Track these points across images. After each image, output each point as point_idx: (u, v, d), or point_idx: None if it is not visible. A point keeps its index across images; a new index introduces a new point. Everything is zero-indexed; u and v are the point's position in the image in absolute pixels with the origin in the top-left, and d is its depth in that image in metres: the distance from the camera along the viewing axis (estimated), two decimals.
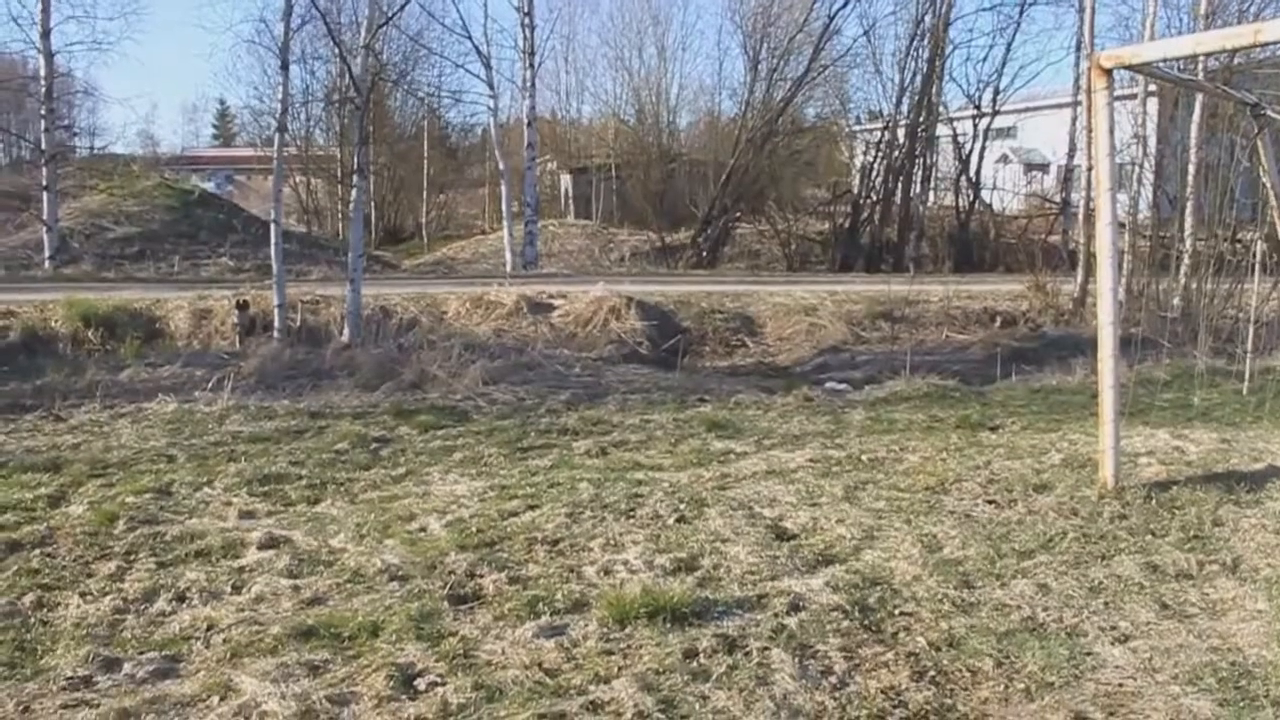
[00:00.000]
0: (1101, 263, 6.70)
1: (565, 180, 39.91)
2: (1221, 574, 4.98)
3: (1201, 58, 14.90)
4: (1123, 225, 14.83)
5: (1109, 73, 6.55)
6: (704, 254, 27.79)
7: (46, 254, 20.95)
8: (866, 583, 4.87)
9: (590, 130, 43.23)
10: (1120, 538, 5.51)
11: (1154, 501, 6.12)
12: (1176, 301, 15.64)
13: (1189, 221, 16.61)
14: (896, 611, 4.54)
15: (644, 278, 20.63)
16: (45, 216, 21.15)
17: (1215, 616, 4.50)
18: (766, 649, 4.11)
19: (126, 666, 4.08)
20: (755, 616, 4.46)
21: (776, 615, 4.46)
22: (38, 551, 5.40)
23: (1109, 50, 6.85)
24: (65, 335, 12.72)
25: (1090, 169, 15.22)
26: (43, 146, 21.76)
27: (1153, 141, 17.77)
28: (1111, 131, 6.66)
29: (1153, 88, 16.82)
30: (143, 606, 4.71)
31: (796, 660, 4.03)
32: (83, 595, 4.82)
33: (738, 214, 29.28)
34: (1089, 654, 4.10)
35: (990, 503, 6.26)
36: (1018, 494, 6.40)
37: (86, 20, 28.97)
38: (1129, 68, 7.11)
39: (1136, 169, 17.12)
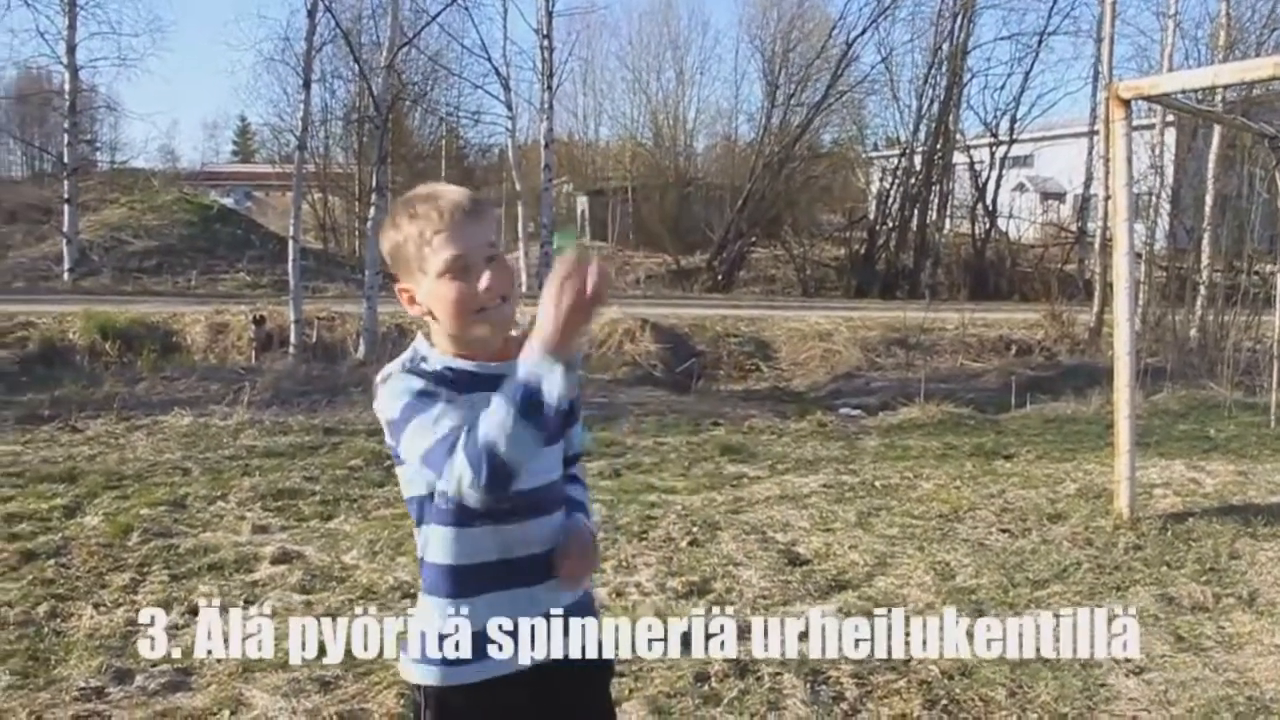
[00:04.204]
0: (1118, 293, 6.70)
1: (581, 202, 40.02)
2: (1238, 607, 4.95)
3: (1220, 89, 14.91)
4: (1139, 255, 14.81)
5: (1127, 104, 6.57)
6: (719, 278, 27.81)
7: (66, 266, 21.09)
8: (879, 609, 4.85)
9: (607, 152, 43.35)
10: (1135, 569, 5.49)
11: (1169, 533, 6.09)
12: (1193, 333, 15.59)
13: (1206, 252, 16.59)
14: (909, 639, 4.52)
15: (659, 300, 20.67)
16: (65, 229, 21.31)
17: (1231, 650, 4.47)
18: (778, 674, 4.09)
19: (138, 679, 4.08)
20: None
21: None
22: (52, 561, 5.42)
23: (1127, 81, 6.87)
24: (83, 347, 12.81)
25: (1107, 198, 15.21)
26: (65, 160, 21.97)
27: (1170, 172, 17.76)
28: (1129, 162, 6.67)
29: (1170, 118, 16.81)
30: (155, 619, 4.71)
31: (808, 686, 4.01)
32: (96, 606, 4.83)
33: (753, 238, 29.30)
34: (1103, 685, 4.08)
35: (1004, 531, 6.24)
36: (1032, 523, 6.38)
37: (112, 36, 29.17)
38: (1147, 99, 7.13)
39: (1154, 199, 17.11)
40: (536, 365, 1.73)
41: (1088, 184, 25.44)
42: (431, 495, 1.96)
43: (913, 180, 28.34)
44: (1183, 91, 7.15)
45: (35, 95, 30.93)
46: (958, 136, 28.79)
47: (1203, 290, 16.11)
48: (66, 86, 21.87)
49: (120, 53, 31.24)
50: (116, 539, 5.83)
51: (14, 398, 10.25)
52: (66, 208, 21.32)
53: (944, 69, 27.59)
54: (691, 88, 42.43)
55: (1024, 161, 35.77)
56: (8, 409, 9.71)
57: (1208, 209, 16.72)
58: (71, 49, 21.27)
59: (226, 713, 3.78)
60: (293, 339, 13.22)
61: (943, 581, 5.27)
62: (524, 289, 23.14)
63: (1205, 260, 16.50)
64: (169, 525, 6.18)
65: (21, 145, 39.45)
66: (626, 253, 31.76)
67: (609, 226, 36.58)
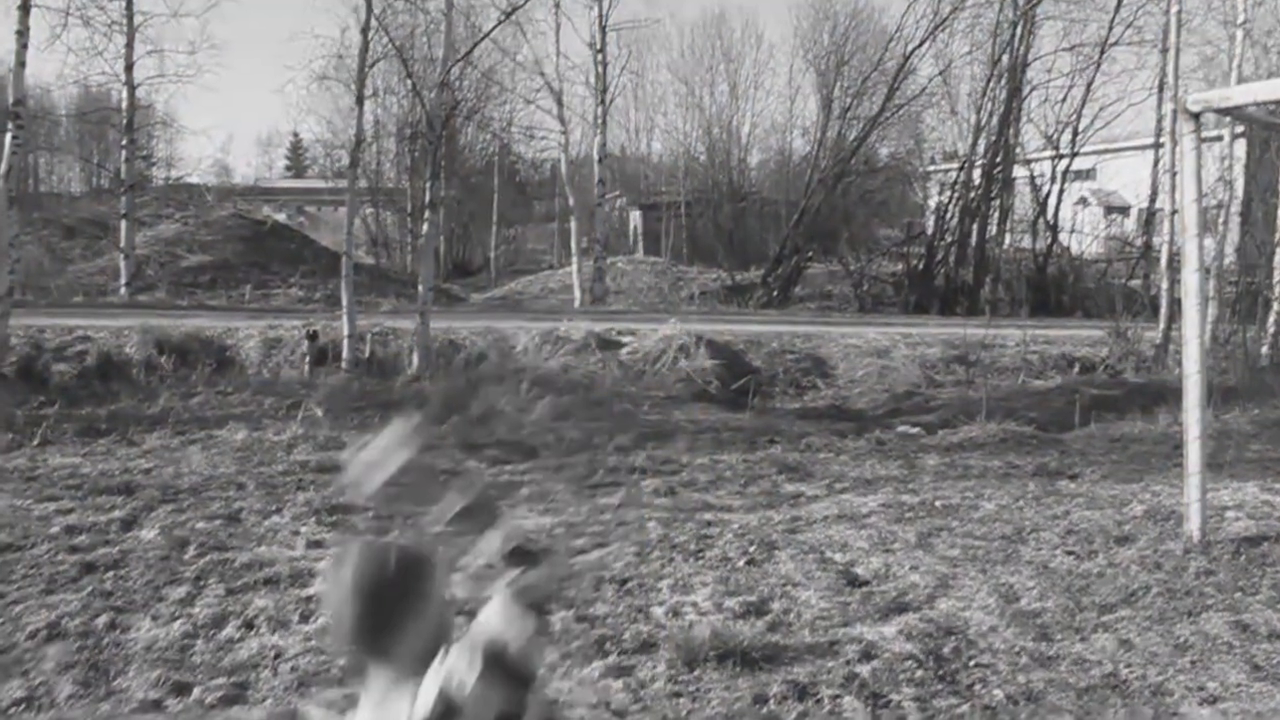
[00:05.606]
0: (1188, 310, 6.53)
1: (635, 217, 40.05)
2: None
3: None
4: (1207, 270, 14.49)
5: (1196, 116, 6.41)
6: (775, 293, 27.60)
7: (122, 281, 21.37)
8: (941, 632, 4.74)
9: (660, 167, 43.36)
10: (1208, 594, 5.32)
11: (1243, 557, 5.91)
12: (1265, 350, 15.21)
13: (1279, 267, 16.18)
14: (972, 663, 4.41)
15: (713, 316, 20.53)
16: (122, 244, 21.62)
17: None
18: (838, 697, 4.00)
19: (196, 691, 4.09)
20: (826, 663, 4.35)
21: (848, 663, 4.35)
22: (111, 574, 5.46)
23: (1196, 94, 6.69)
24: (139, 361, 12.92)
25: (1174, 213, 14.90)
26: (122, 176, 22.32)
27: (1240, 185, 17.38)
28: (1198, 176, 6.50)
29: (1240, 129, 16.45)
30: (212, 632, 4.72)
31: (869, 709, 3.92)
32: (154, 619, 4.85)
33: (809, 253, 29.07)
34: (1175, 715, 3.95)
35: (1069, 553, 6.09)
36: (1098, 545, 6.22)
37: (170, 54, 29.40)
38: (1218, 111, 6.96)
39: (1223, 212, 16.73)
40: None
41: (1153, 197, 24.97)
42: None
43: (972, 195, 27.96)
44: (1255, 104, 6.97)
45: (94, 113, 31.40)
46: (1018, 150, 28.39)
47: (1275, 306, 15.71)
48: (124, 104, 22.19)
49: (176, 70, 31.43)
50: (173, 552, 5.87)
51: (73, 410, 10.39)
52: (123, 223, 21.61)
53: (1003, 81, 27.21)
54: (745, 101, 42.25)
55: (1086, 175, 35.25)
56: (67, 422, 9.84)
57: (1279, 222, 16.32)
58: (129, 67, 21.57)
59: None
60: (346, 354, 13.28)
61: (1006, 604, 5.14)
62: (577, 303, 23.16)
63: (1277, 275, 16.09)
64: (224, 539, 6.21)
65: (80, 162, 40.25)
66: (680, 268, 31.69)
67: (663, 241, 36.58)
